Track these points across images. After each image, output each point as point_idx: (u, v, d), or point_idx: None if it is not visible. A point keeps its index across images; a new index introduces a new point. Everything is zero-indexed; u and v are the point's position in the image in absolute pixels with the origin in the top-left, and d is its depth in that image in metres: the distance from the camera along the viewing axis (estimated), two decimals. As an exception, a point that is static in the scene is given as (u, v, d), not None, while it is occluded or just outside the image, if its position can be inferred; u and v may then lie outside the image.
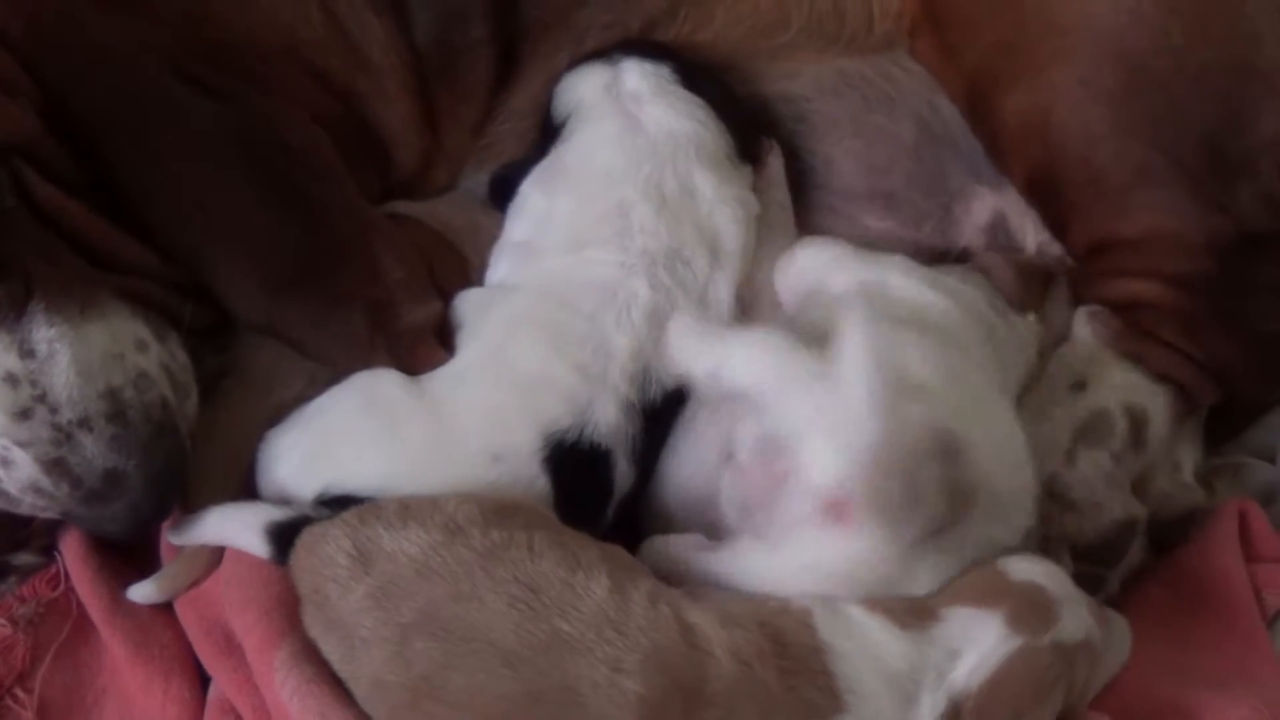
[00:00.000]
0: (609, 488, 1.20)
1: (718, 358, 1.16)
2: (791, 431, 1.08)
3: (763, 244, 1.36)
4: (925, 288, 1.21)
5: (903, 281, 1.22)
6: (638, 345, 1.23)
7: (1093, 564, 1.24)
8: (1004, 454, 1.10)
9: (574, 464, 1.18)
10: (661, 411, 1.23)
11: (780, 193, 1.43)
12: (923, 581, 1.05)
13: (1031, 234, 1.44)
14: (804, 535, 1.06)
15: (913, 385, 1.07)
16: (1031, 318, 1.31)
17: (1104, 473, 1.25)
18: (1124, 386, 1.30)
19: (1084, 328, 1.33)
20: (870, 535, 1.03)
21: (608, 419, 1.20)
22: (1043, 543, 1.22)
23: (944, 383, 1.09)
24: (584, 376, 1.20)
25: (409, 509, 1.08)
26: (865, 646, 1.02)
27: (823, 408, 1.07)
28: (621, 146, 1.33)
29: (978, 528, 1.06)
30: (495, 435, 1.18)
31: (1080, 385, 1.30)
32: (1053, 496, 1.24)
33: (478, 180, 1.48)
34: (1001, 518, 1.09)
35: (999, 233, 1.45)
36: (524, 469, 1.17)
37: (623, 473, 1.20)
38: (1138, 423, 1.29)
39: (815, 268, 1.29)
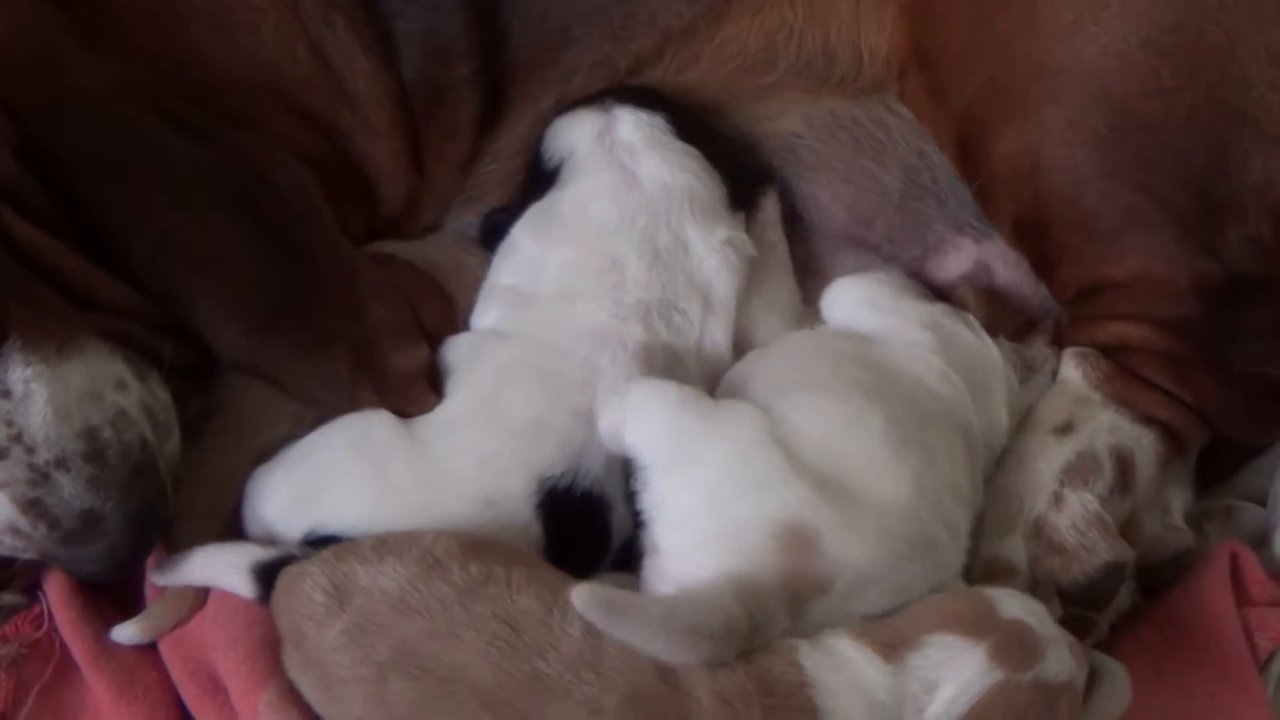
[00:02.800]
0: (606, 533, 1.19)
1: (616, 416, 1.17)
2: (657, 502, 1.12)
3: (756, 285, 1.36)
4: (924, 367, 1.22)
5: (908, 348, 1.24)
6: None
7: (1081, 606, 1.23)
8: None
9: (568, 510, 1.18)
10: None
11: (775, 234, 1.43)
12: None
13: (1015, 286, 1.44)
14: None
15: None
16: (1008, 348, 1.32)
17: (1092, 515, 1.24)
18: (1111, 429, 1.30)
19: (1073, 370, 1.33)
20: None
21: (602, 463, 1.19)
22: (1030, 585, 1.22)
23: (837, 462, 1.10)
24: (579, 419, 1.20)
25: (386, 543, 1.08)
26: (852, 680, 1.01)
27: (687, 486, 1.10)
28: (615, 200, 1.33)
29: (839, 604, 1.06)
30: (488, 481, 1.18)
31: (1067, 428, 1.30)
32: (1040, 539, 1.24)
33: (464, 221, 1.47)
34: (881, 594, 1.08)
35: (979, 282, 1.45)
36: (517, 514, 1.17)
37: (620, 516, 1.19)
38: (1125, 465, 1.29)
39: (849, 306, 1.32)
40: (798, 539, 1.06)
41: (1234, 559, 1.29)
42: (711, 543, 1.07)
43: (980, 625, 1.03)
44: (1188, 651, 1.24)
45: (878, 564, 1.07)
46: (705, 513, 1.09)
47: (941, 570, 1.12)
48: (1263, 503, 1.41)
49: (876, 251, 1.47)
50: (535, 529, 1.17)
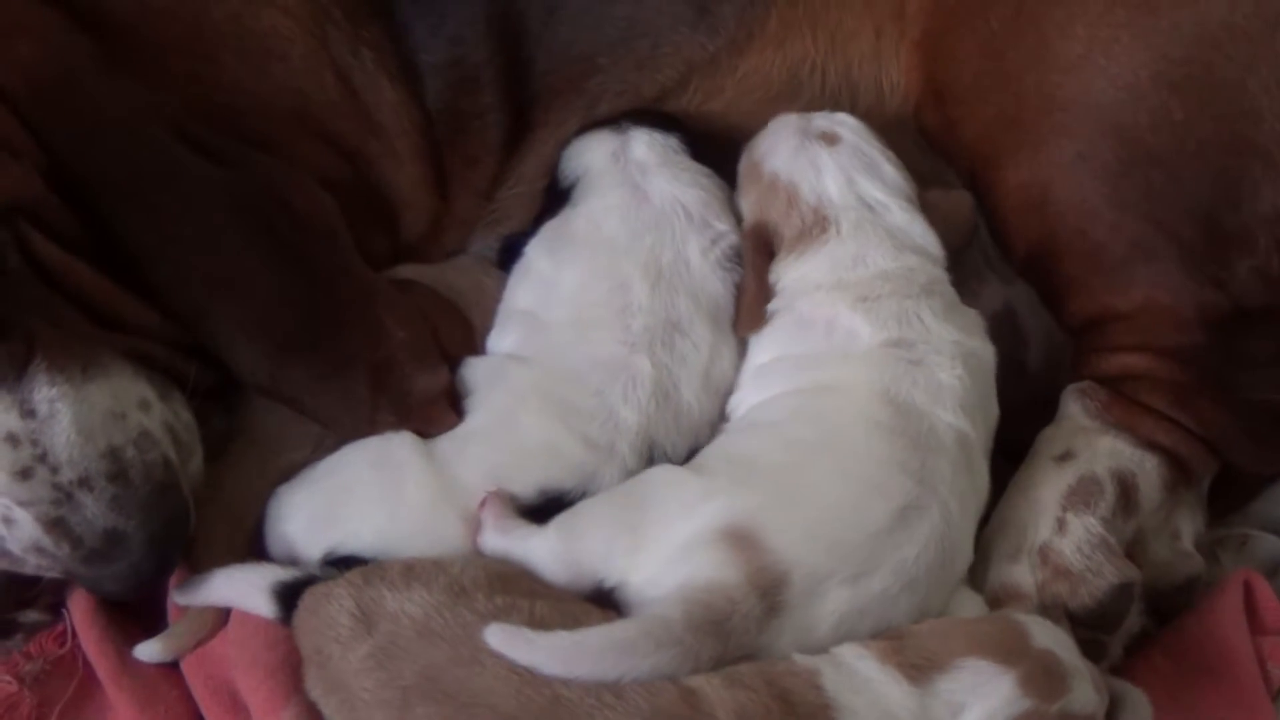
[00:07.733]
0: None
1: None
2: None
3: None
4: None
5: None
6: (645, 422, 1.23)
7: (1092, 630, 1.23)
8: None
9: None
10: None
11: None
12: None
13: (1034, 332, 1.45)
14: None
15: None
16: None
17: (1095, 538, 1.24)
18: (1111, 453, 1.30)
19: (1073, 404, 1.34)
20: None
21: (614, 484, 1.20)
22: (1039, 611, 1.21)
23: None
24: (590, 448, 1.21)
25: (413, 570, 1.09)
26: (873, 702, 1.01)
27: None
28: (626, 218, 1.34)
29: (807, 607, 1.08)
30: None
31: (1066, 455, 1.30)
32: (1046, 565, 1.24)
33: (487, 244, 1.48)
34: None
35: (1004, 324, 1.44)
36: None
37: None
38: (1127, 488, 1.29)
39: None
40: (742, 539, 1.07)
41: (1248, 587, 1.30)
42: (668, 564, 1.09)
43: (1012, 652, 1.04)
44: (1201, 679, 1.24)
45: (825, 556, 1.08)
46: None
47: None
48: (1278, 532, 1.42)
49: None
50: None
